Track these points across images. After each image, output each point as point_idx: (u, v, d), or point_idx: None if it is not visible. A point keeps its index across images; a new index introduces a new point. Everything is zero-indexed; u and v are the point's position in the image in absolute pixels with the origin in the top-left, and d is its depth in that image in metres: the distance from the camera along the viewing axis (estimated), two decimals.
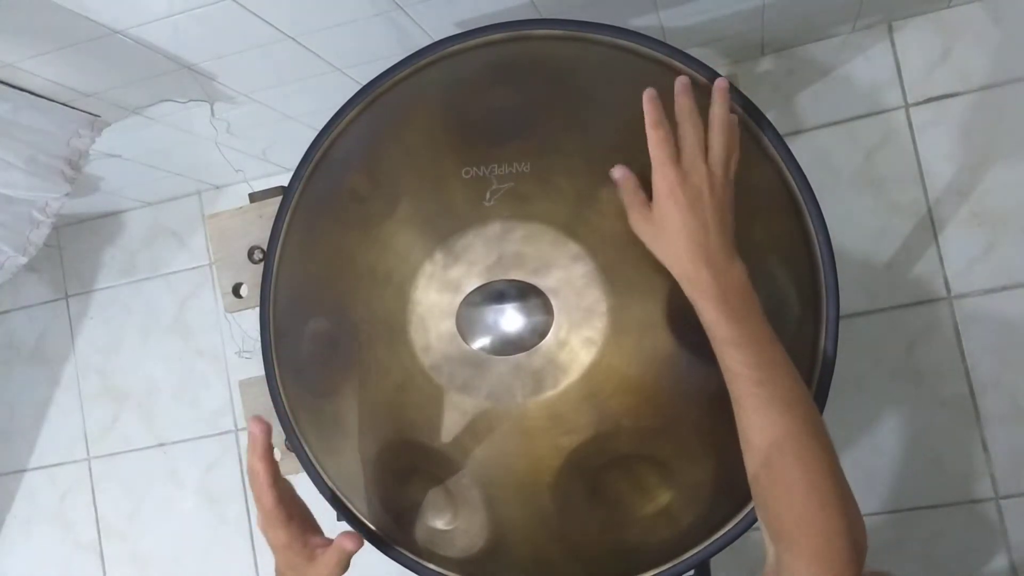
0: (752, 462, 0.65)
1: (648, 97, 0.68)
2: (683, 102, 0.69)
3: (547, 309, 0.69)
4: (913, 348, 1.40)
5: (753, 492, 0.66)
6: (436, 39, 0.85)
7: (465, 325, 0.71)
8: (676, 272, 0.66)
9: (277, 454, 1.01)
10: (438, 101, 0.81)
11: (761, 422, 0.64)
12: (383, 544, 0.83)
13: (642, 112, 0.68)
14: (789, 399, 0.64)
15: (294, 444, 0.87)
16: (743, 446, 0.66)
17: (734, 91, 0.77)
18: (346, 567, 0.71)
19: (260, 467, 0.71)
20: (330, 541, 0.71)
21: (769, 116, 0.77)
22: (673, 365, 0.69)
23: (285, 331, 0.86)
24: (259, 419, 0.74)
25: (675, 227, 0.65)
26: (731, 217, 0.67)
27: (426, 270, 0.72)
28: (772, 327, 0.66)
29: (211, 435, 1.71)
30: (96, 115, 1.21)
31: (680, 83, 0.70)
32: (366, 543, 0.83)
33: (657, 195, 0.67)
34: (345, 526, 0.84)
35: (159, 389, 1.74)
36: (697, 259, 0.65)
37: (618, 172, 0.69)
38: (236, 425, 1.69)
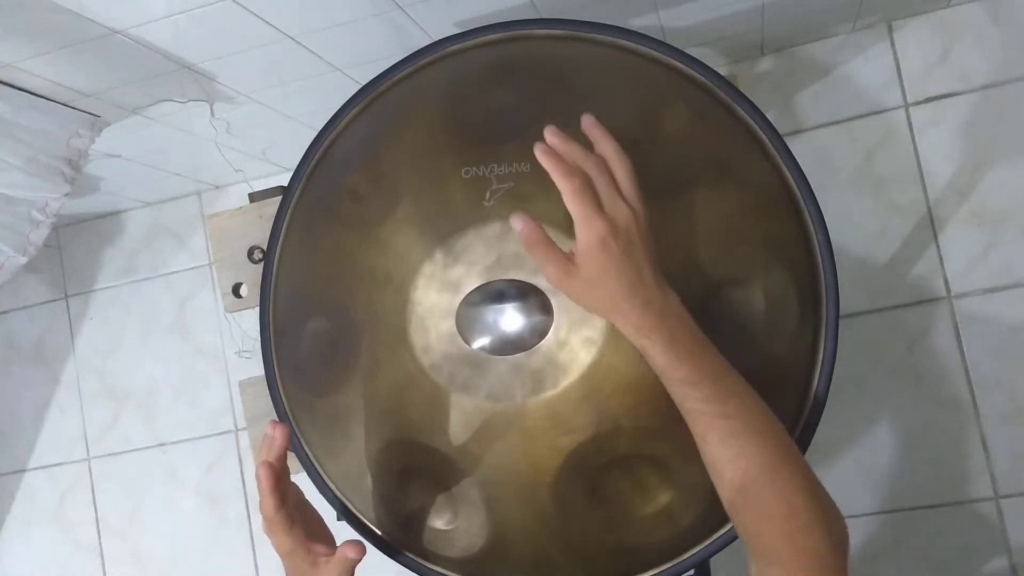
0: (727, 492, 0.63)
1: (541, 151, 0.63)
2: (569, 148, 0.64)
3: (547, 309, 0.69)
4: (913, 348, 1.40)
5: (731, 518, 0.65)
6: (436, 39, 0.86)
7: (465, 325, 0.71)
8: (619, 323, 0.63)
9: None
10: (438, 101, 0.81)
11: (730, 455, 0.62)
12: (383, 544, 0.83)
13: (641, 111, 0.67)
14: (756, 427, 0.63)
15: (294, 444, 0.87)
16: (714, 479, 0.64)
17: (732, 90, 0.77)
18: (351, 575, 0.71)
19: (262, 472, 0.71)
20: (334, 549, 0.71)
21: (769, 116, 0.77)
22: None
23: (285, 331, 0.86)
24: (276, 424, 0.74)
25: (611, 278, 0.62)
26: (653, 243, 0.64)
27: (426, 270, 0.72)
28: (770, 332, 0.65)
29: (211, 435, 1.71)
30: (96, 115, 1.21)
31: (551, 132, 0.64)
32: (367, 544, 0.83)
33: (587, 249, 0.62)
34: (345, 526, 0.84)
35: (159, 389, 1.74)
36: (638, 305, 0.62)
37: (520, 223, 0.63)
38: (236, 425, 1.69)
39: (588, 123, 0.66)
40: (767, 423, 0.64)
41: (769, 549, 0.62)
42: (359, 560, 0.70)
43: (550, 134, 0.64)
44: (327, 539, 0.75)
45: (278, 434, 0.73)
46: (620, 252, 0.62)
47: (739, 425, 0.62)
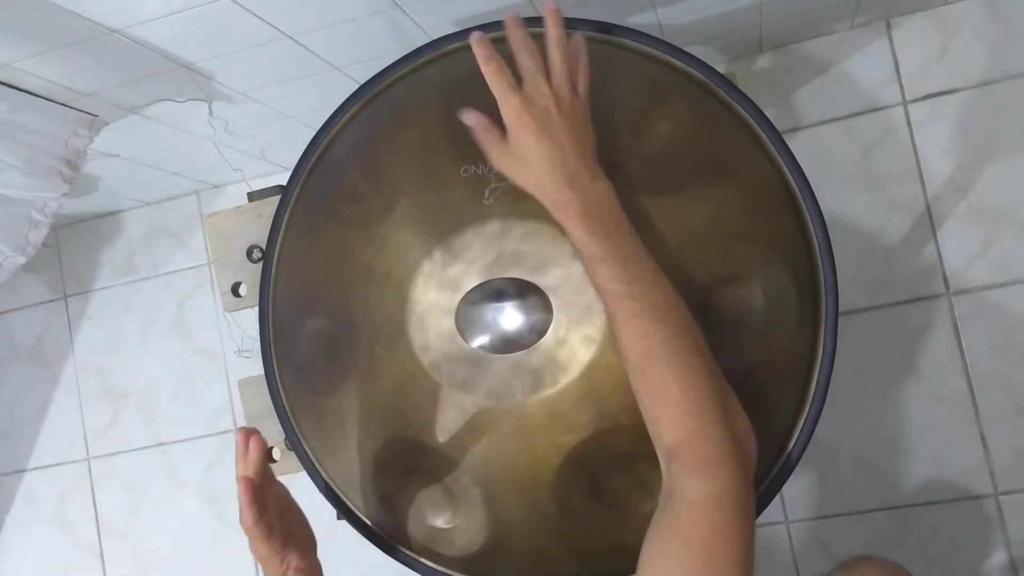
0: (633, 377, 0.65)
1: (475, 38, 0.69)
2: (515, 33, 0.69)
3: (546, 307, 0.69)
4: (912, 345, 1.40)
5: (640, 408, 0.65)
6: (434, 37, 0.85)
7: (464, 324, 0.71)
8: (541, 197, 0.66)
9: (276, 453, 1.02)
10: (436, 99, 0.80)
11: (634, 335, 0.64)
12: (383, 543, 0.83)
13: (640, 109, 0.68)
14: (661, 310, 0.64)
15: (294, 443, 0.87)
16: (624, 364, 0.65)
17: (731, 88, 0.77)
18: None
19: (241, 487, 0.74)
20: (308, 557, 0.76)
21: (767, 113, 0.77)
22: None
23: (284, 330, 0.86)
24: (247, 432, 0.77)
25: (530, 152, 0.65)
26: (590, 134, 0.67)
27: (425, 268, 0.72)
28: (769, 329, 0.65)
29: (211, 435, 1.70)
30: (94, 115, 1.21)
31: (509, 19, 0.70)
32: (367, 542, 0.83)
33: (508, 125, 0.67)
34: (345, 526, 0.84)
35: (158, 389, 1.74)
36: (557, 180, 0.65)
37: (470, 116, 0.68)
38: (236, 424, 1.69)
39: (548, 8, 0.70)
40: (674, 309, 0.65)
41: (668, 439, 0.63)
42: None
43: (508, 20, 0.70)
44: (305, 544, 0.79)
45: (252, 447, 0.76)
46: (536, 127, 0.65)
47: (644, 307, 0.64)
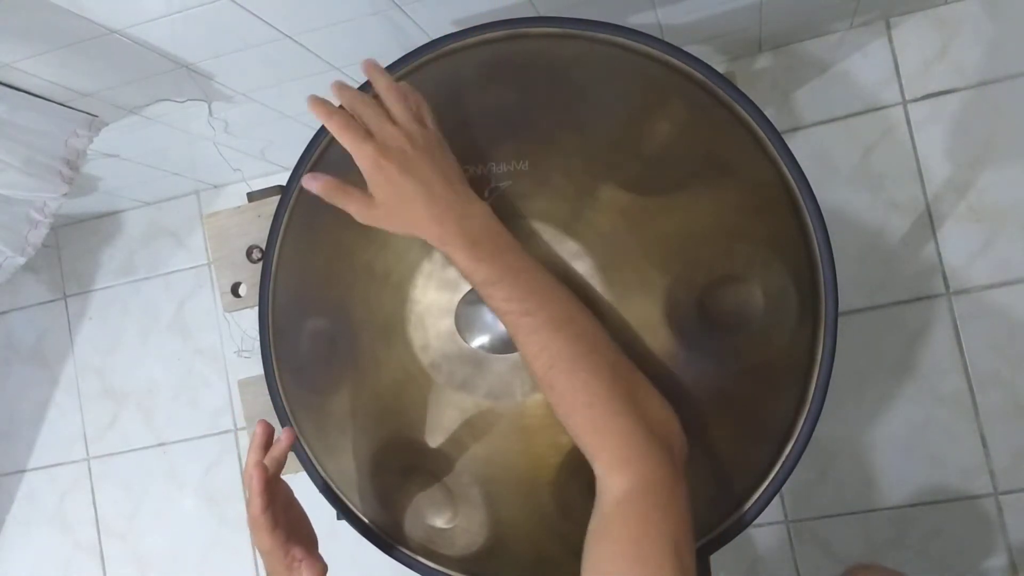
0: (544, 391, 0.65)
1: (311, 100, 0.67)
2: (343, 93, 0.69)
3: None
4: (912, 344, 1.40)
5: (560, 420, 0.65)
6: (433, 37, 0.85)
7: (464, 323, 0.71)
8: (424, 236, 0.66)
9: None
10: (436, 99, 0.80)
11: (536, 349, 0.64)
12: (383, 543, 0.83)
13: (639, 108, 0.68)
14: (558, 319, 0.64)
15: (293, 443, 0.87)
16: (535, 381, 0.66)
17: (731, 87, 0.77)
18: None
19: (255, 473, 0.73)
20: (312, 552, 0.76)
21: (767, 113, 0.77)
22: (670, 363, 0.69)
23: (284, 330, 0.86)
24: (265, 423, 0.77)
25: (399, 196, 0.65)
26: (451, 159, 0.67)
27: (424, 268, 0.72)
28: (769, 329, 0.64)
29: (211, 435, 1.71)
30: (94, 115, 1.21)
31: (333, 85, 0.70)
32: (366, 542, 0.83)
33: (368, 175, 0.66)
34: (345, 526, 0.84)
35: (158, 389, 1.74)
36: (435, 215, 0.64)
37: (312, 182, 0.67)
38: (235, 424, 1.69)
39: (367, 66, 0.70)
40: (571, 317, 0.65)
41: (588, 445, 0.63)
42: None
43: (333, 86, 0.69)
44: (308, 541, 0.78)
45: (285, 437, 0.76)
46: (398, 170, 0.64)
47: (541, 321, 0.63)
